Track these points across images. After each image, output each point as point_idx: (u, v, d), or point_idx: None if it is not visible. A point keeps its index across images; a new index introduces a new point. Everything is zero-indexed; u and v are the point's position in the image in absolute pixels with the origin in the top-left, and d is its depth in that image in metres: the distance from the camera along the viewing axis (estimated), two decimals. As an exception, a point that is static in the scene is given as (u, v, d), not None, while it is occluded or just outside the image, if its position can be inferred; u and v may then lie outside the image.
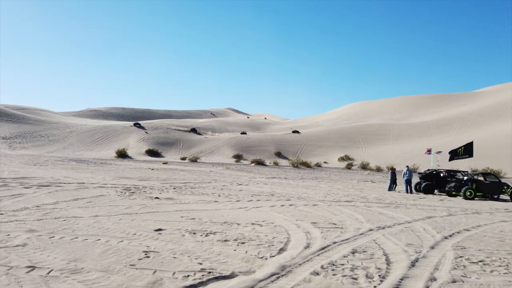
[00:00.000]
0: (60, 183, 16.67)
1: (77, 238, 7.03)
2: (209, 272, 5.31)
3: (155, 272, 5.30)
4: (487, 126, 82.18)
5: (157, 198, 13.16)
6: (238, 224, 8.87)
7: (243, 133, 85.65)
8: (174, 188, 16.76)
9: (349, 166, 52.54)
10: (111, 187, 16.13)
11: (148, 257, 5.96)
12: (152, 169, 31.40)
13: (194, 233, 7.74)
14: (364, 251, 6.77)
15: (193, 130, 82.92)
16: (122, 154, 56.96)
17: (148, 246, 6.59)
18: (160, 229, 7.97)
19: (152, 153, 61.80)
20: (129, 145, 66.49)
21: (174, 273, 5.26)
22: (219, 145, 69.14)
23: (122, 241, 6.92)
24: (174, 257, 6.00)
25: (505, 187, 18.78)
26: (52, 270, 5.23)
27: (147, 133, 75.34)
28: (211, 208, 11.41)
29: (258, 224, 8.95)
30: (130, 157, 57.28)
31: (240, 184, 20.62)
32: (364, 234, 8.29)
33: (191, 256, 6.08)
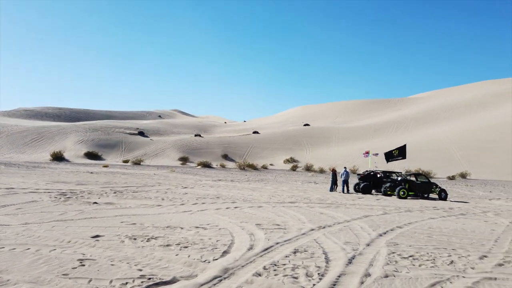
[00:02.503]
0: (-15, 188, 15.26)
1: (3, 248, 6.47)
2: (149, 279, 5.16)
3: (90, 281, 5.04)
4: (419, 130, 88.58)
5: (95, 203, 12.52)
6: (182, 228, 8.71)
7: (197, 135, 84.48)
8: (115, 192, 16.07)
9: (294, 168, 53.85)
10: (44, 192, 15.07)
11: (84, 265, 5.65)
12: (91, 173, 29.85)
13: (135, 239, 7.47)
14: (305, 251, 6.97)
15: (141, 133, 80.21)
16: (58, 157, 53.46)
17: (84, 254, 6.24)
18: (97, 236, 7.59)
19: (91, 156, 58.76)
20: (66, 148, 62.65)
21: (111, 281, 5.04)
22: (165, 148, 67.51)
23: (54, 249, 6.49)
24: (112, 264, 5.75)
25: (434, 187, 20.35)
26: (-28, 284, 4.77)
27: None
28: (153, 212, 11.09)
29: (202, 228, 8.86)
30: (67, 160, 53.99)
31: (185, 187, 20.28)
32: (306, 234, 8.53)
33: (131, 263, 5.86)
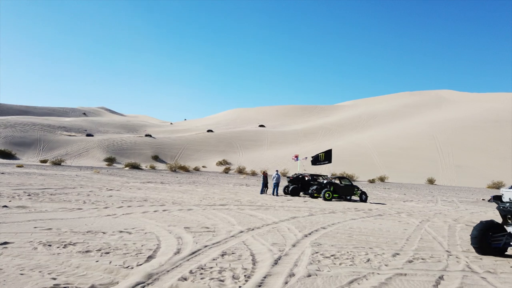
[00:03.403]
0: None
1: None
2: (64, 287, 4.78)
3: (-7, 294, 4.53)
4: (344, 136, 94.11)
5: (5, 206, 11.32)
6: (104, 233, 8.23)
7: (148, 135, 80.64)
8: (29, 195, 14.69)
9: (226, 170, 53.97)
10: None
11: (-14, 276, 5.06)
12: (3, 173, 27.01)
13: (50, 245, 6.89)
14: (233, 253, 6.98)
15: (90, 135, 74.45)
16: (-38, 155, 47.56)
17: (-13, 264, 5.60)
18: (5, 243, 6.86)
19: (3, 154, 53.24)
20: (-27, 145, 56.04)
21: (19, 293, 4.57)
22: (89, 147, 63.48)
23: (-50, 260, 5.73)
24: (22, 274, 5.23)
25: (356, 189, 21.73)
26: None
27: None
28: (73, 216, 10.34)
29: (127, 232, 8.46)
30: (-27, 159, 48.28)
31: (110, 190, 19.25)
32: (234, 236, 8.56)
33: (43, 271, 5.38)
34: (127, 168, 48.64)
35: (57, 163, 48.69)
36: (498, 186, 48.02)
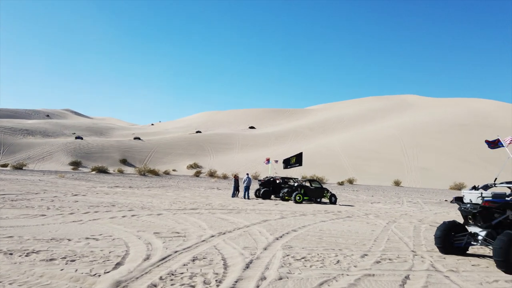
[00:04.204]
0: None
1: None
2: (26, 299, 4.57)
3: None
4: (314, 139, 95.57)
5: (-39, 214, 10.70)
6: (69, 240, 7.94)
7: (137, 138, 78.28)
8: (-12, 201, 13.95)
9: (197, 174, 53.42)
10: None
11: None
12: (-42, 178, 25.51)
13: (11, 254, 6.56)
14: (204, 258, 6.92)
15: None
16: None
17: None
18: (-39, 253, 6.48)
19: (-41, 158, 50.29)
20: None
21: (-24, 306, 4.33)
22: (53, 151, 61.11)
23: None
24: (-21, 286, 4.95)
25: (326, 192, 22.09)
26: None
27: None
28: (36, 223, 9.90)
29: (94, 238, 8.20)
30: None
31: (75, 195, 18.60)
32: (206, 241, 8.48)
33: (4, 282, 5.12)
34: (93, 172, 47.16)
35: (19, 167, 46.51)
36: (460, 187, 50.27)
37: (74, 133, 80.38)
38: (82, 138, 74.77)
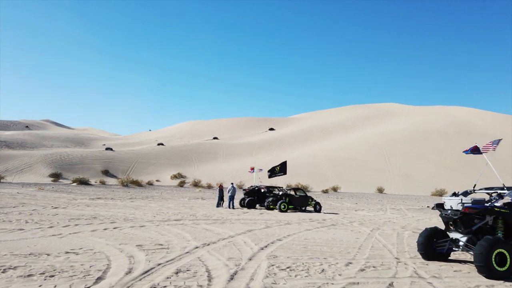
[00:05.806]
0: None
1: None
2: (1, 318, 4.39)
3: None
4: (298, 147, 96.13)
5: None
6: (48, 255, 7.70)
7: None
8: (-37, 216, 13.45)
9: (181, 184, 52.86)
10: None
11: None
12: None
13: (-14, 271, 6.32)
14: (188, 270, 6.81)
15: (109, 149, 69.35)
16: None
17: None
18: None
19: None
20: None
21: None
22: (32, 162, 59.62)
23: None
24: (-49, 306, 4.74)
25: (310, 200, 22.16)
26: None
27: None
28: (13, 238, 9.58)
29: (74, 253, 7.98)
30: None
31: (55, 208, 18.13)
32: (189, 253, 8.36)
33: (-23, 301, 4.92)
34: (74, 184, 46.12)
35: (-4, 180, 45.05)
36: (441, 193, 51.21)
37: (104, 145, 79.65)
38: (112, 150, 74.64)
